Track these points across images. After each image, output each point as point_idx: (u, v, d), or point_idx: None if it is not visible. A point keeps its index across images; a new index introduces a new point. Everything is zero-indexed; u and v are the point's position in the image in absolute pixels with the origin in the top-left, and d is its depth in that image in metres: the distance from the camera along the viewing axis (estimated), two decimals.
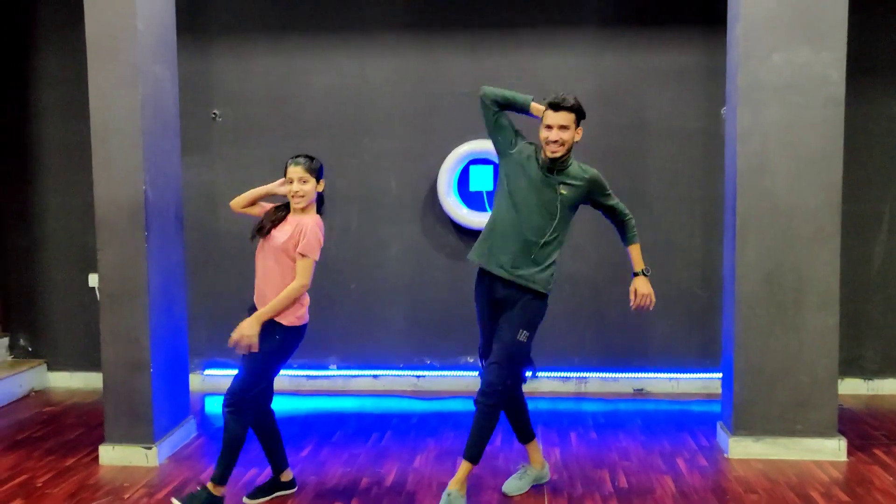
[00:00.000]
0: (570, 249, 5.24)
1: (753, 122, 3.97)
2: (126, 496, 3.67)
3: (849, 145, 4.76)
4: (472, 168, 5.20)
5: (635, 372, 5.28)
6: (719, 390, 5.11)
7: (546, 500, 3.56)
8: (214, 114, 5.37)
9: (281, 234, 3.39)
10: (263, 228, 3.44)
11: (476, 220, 5.13)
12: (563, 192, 3.41)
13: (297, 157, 3.42)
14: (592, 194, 3.50)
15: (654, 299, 3.57)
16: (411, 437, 4.45)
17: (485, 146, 5.08)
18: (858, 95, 4.92)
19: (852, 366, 5.17)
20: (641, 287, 3.57)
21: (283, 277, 3.36)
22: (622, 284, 5.17)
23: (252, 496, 3.59)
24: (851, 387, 5.17)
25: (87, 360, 5.52)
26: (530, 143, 3.54)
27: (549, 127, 3.34)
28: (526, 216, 3.42)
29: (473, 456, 3.40)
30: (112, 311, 4.06)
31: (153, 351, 4.05)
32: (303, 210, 3.42)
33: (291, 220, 3.42)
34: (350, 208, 5.36)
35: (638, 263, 3.63)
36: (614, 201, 3.57)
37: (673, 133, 5.16)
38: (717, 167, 4.97)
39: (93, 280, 5.46)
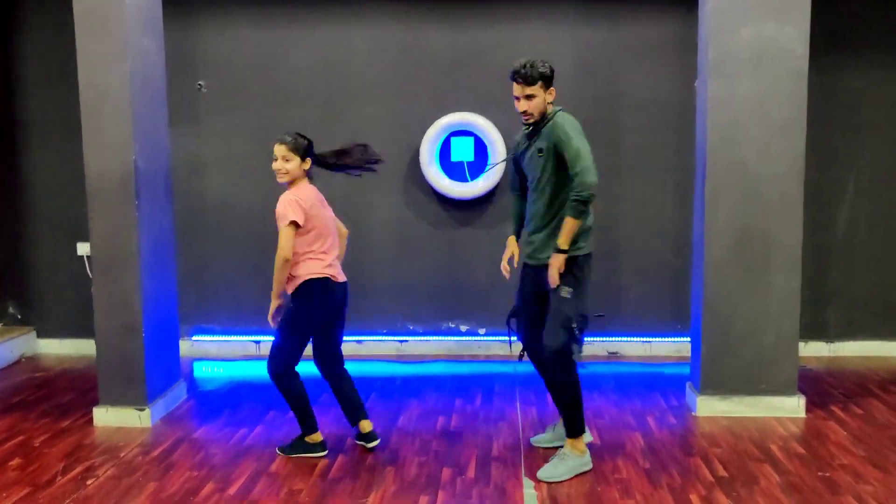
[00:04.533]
0: None
1: (724, 94, 4.13)
2: (122, 455, 3.83)
3: (817, 117, 4.97)
4: (454, 140, 5.33)
5: (610, 336, 5.49)
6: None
7: (522, 455, 3.76)
8: (199, 84, 5.45)
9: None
10: None
11: (457, 189, 5.28)
12: (538, 149, 3.42)
13: (284, 135, 3.69)
14: (555, 140, 3.34)
15: (553, 277, 3.35)
16: (395, 398, 4.63)
17: (465, 118, 5.23)
18: (825, 70, 5.11)
19: (815, 330, 5.41)
20: (551, 262, 3.36)
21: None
22: (600, 251, 5.37)
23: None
24: (814, 349, 5.42)
25: (77, 328, 5.65)
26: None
27: (516, 98, 3.41)
28: (530, 192, 3.57)
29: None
30: (105, 278, 4.19)
31: (145, 316, 4.19)
32: (290, 184, 3.71)
33: None
34: (334, 177, 5.47)
35: (560, 238, 3.33)
36: (571, 153, 3.27)
37: (647, 105, 5.32)
38: (690, 138, 5.14)
39: (81, 249, 5.57)
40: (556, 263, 3.35)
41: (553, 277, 3.36)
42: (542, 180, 3.44)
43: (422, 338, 5.58)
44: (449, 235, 5.49)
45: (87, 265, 5.52)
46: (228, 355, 5.61)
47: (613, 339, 5.48)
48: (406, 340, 5.59)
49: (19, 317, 5.79)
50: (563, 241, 3.33)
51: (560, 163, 3.36)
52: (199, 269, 5.59)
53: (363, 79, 5.42)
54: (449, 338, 5.57)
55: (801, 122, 4.12)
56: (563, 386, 3.47)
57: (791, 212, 4.16)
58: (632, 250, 5.43)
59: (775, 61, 4.09)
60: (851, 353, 5.42)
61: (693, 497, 3.28)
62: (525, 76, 3.35)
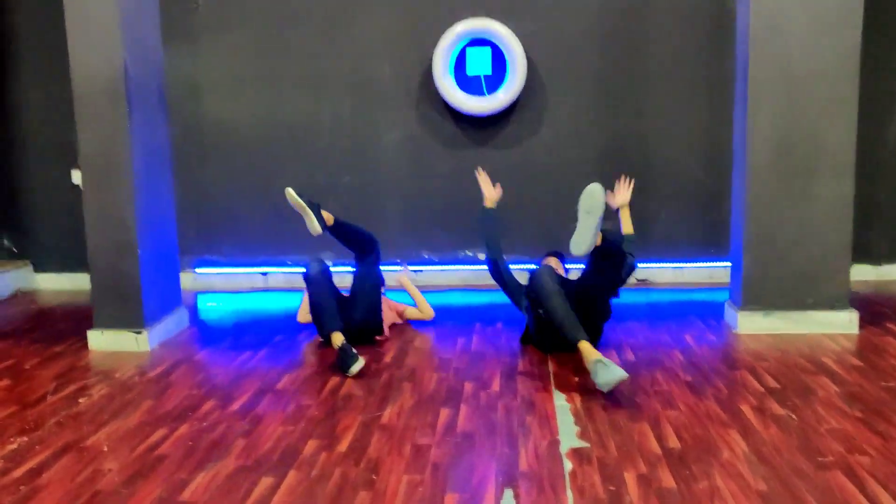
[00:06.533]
0: (569, 136, 5.06)
1: None
2: (117, 375, 3.54)
3: (868, 22, 4.52)
4: (469, 50, 4.96)
5: (638, 262, 5.13)
6: (724, 279, 4.98)
7: (550, 371, 3.44)
8: (196, 1, 5.09)
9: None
10: None
11: (473, 104, 4.91)
12: None
13: None
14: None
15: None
16: (410, 326, 4.32)
17: (483, 24, 4.85)
18: None
19: (861, 251, 5.02)
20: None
21: None
22: (627, 169, 5.01)
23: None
24: (860, 273, 5.05)
25: (74, 261, 5.36)
26: None
27: None
28: None
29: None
30: (96, 192, 3.88)
31: (140, 232, 3.88)
32: None
33: None
34: (342, 96, 5.14)
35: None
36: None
37: (677, 11, 4.91)
38: (726, 45, 4.76)
39: (76, 177, 5.26)
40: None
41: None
42: None
43: (437, 267, 5.25)
44: (465, 156, 5.13)
45: (83, 195, 5.21)
46: (234, 287, 5.32)
47: (643, 265, 5.13)
48: (421, 270, 5.26)
49: (15, 250, 5.50)
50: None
51: None
52: (200, 199, 5.27)
53: None
54: (466, 267, 5.24)
55: (858, 12, 3.72)
56: None
57: (842, 111, 3.78)
58: (661, 169, 5.06)
59: None
60: None
61: (744, 407, 2.96)
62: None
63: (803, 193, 3.84)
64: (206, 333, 4.26)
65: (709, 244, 5.10)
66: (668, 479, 2.40)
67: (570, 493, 2.32)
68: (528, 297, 3.65)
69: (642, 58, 4.96)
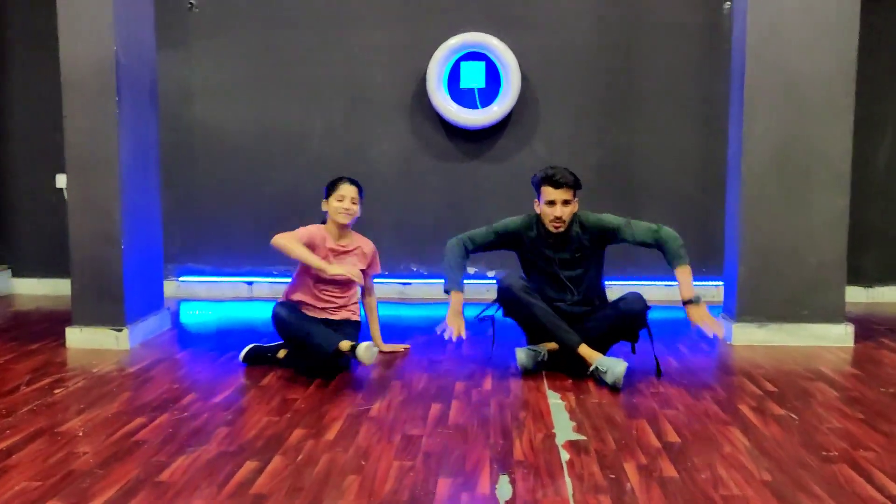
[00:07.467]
0: (562, 150, 5.04)
1: None
2: (95, 370, 3.41)
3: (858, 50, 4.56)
4: (464, 64, 4.95)
5: (629, 280, 5.09)
6: (717, 298, 4.95)
7: (544, 374, 3.35)
8: (190, 3, 5.07)
9: (353, 257, 3.58)
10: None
11: (466, 117, 4.89)
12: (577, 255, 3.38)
13: (350, 178, 3.59)
14: (607, 240, 3.40)
15: (713, 323, 3.14)
16: (398, 333, 4.22)
17: (477, 38, 4.85)
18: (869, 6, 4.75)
19: (851, 274, 4.98)
20: (695, 316, 3.17)
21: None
22: (620, 186, 4.99)
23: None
24: (851, 295, 4.94)
25: (55, 267, 5.24)
26: (526, 219, 3.43)
27: (551, 203, 3.26)
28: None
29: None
30: (81, 180, 3.80)
31: (125, 225, 3.79)
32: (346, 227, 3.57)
33: (352, 243, 3.60)
34: (334, 105, 5.11)
35: (684, 290, 3.23)
36: (633, 231, 3.37)
37: (672, 28, 4.94)
38: (718, 65, 4.78)
39: (60, 181, 5.17)
40: (706, 314, 3.17)
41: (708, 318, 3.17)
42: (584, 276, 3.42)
43: (426, 280, 5.17)
44: (457, 168, 5.10)
45: (66, 197, 5.11)
46: (218, 296, 5.20)
47: (633, 283, 5.07)
48: (410, 283, 5.18)
49: None
50: (689, 293, 3.23)
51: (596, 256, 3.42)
52: (188, 206, 5.18)
53: None
54: None
55: (854, 18, 3.75)
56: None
57: (839, 119, 3.79)
58: (652, 187, 5.04)
59: None
60: (892, 298, 5.04)
61: (743, 407, 2.88)
62: (569, 181, 3.26)
63: (799, 203, 3.82)
64: (189, 336, 4.14)
65: (701, 263, 5.05)
66: (669, 469, 2.31)
67: (568, 480, 2.23)
68: (505, 313, 3.48)
69: (636, 73, 4.97)
